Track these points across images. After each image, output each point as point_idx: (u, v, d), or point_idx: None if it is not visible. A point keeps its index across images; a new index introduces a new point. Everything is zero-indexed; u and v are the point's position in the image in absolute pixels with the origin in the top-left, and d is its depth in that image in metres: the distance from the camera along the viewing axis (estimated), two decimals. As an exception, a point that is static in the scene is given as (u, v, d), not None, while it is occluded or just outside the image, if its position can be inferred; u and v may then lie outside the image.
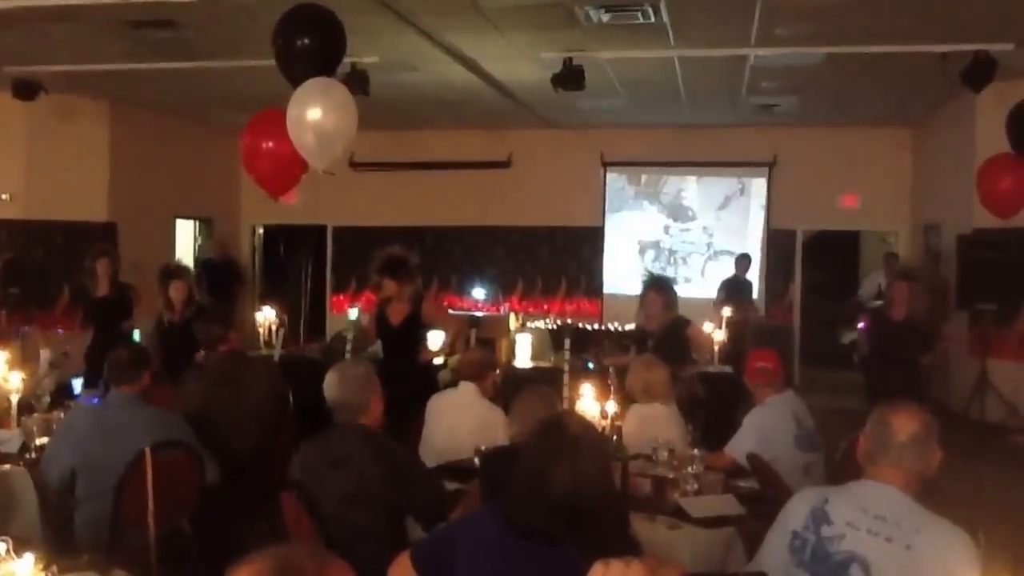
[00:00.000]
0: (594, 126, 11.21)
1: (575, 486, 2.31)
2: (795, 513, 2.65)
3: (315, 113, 4.83)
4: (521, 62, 7.83)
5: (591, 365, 7.68)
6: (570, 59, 7.24)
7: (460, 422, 4.80)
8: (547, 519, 2.32)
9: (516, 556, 2.34)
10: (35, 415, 5.10)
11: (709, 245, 11.58)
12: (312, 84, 4.91)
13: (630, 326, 9.60)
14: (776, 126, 11.01)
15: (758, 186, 11.41)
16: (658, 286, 6.77)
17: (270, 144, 5.27)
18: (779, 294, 11.46)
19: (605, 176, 11.66)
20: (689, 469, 4.10)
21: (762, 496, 4.02)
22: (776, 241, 11.39)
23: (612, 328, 10.65)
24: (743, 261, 10.63)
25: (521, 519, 2.37)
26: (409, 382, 5.34)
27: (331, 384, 3.83)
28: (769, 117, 10.49)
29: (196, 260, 11.38)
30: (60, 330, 7.69)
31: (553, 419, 2.58)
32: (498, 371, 5.49)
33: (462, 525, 2.61)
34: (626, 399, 4.92)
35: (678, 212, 11.66)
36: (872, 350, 7.03)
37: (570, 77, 7.27)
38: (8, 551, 2.64)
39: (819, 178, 11.07)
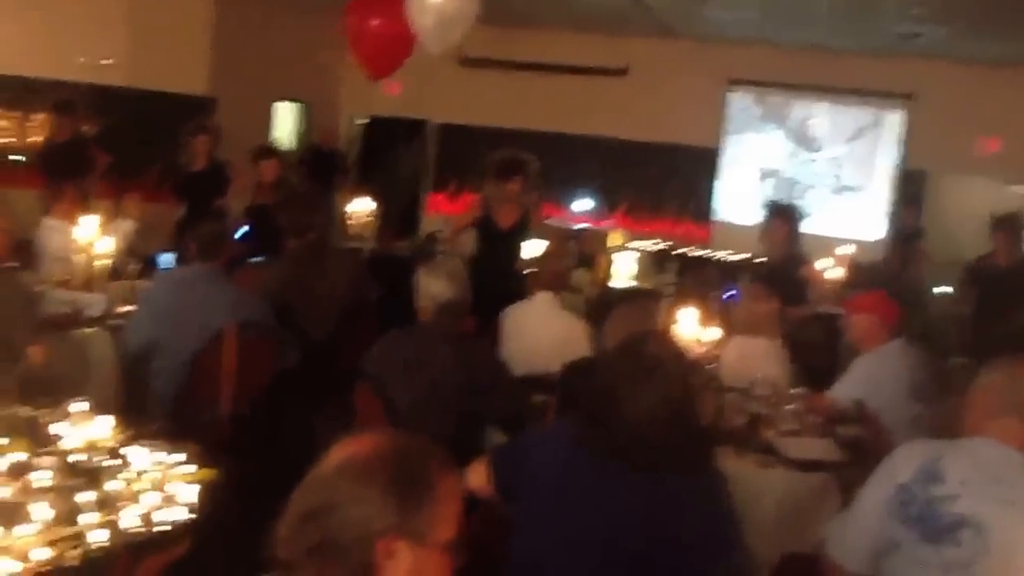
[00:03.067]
0: (719, 40, 10.55)
1: (649, 410, 2.17)
2: (903, 466, 2.44)
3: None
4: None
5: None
6: (704, -39, 6.74)
7: (542, 334, 4.57)
8: (617, 441, 2.19)
9: (584, 474, 2.23)
10: (120, 282, 5.10)
11: (838, 177, 10.87)
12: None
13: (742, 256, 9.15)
14: (918, 57, 10.18)
15: (892, 120, 10.63)
16: (785, 213, 6.31)
17: (376, 22, 5.09)
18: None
19: (727, 95, 11.04)
20: (787, 407, 3.86)
21: (864, 445, 3.75)
22: (906, 181, 10.61)
23: (722, 258, 10.02)
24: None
25: (590, 438, 2.24)
26: (505, 288, 5.04)
27: (443, 284, 3.58)
28: (912, 47, 9.69)
29: (299, 146, 11.28)
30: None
31: (637, 337, 2.39)
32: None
33: (537, 435, 2.54)
34: (730, 330, 4.63)
35: (804, 140, 10.94)
36: (976, 301, 7.00)
37: (702, -19, 6.78)
38: (87, 411, 2.72)
39: (959, 118, 10.18)
